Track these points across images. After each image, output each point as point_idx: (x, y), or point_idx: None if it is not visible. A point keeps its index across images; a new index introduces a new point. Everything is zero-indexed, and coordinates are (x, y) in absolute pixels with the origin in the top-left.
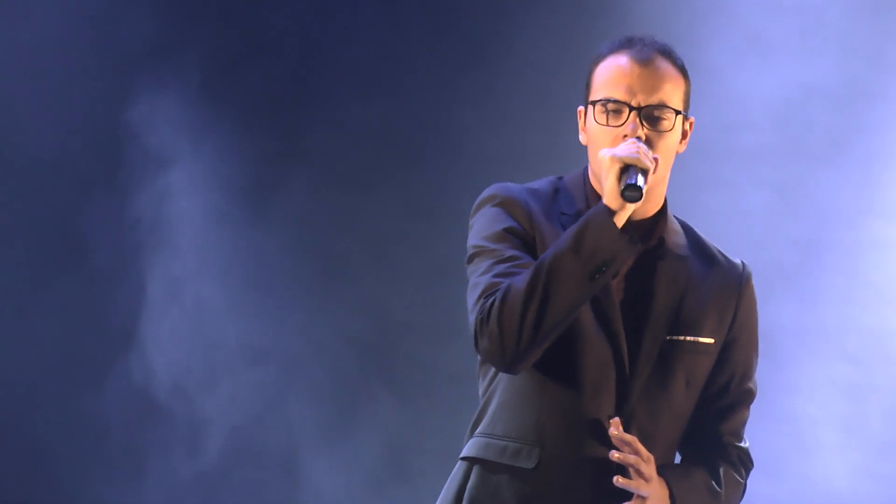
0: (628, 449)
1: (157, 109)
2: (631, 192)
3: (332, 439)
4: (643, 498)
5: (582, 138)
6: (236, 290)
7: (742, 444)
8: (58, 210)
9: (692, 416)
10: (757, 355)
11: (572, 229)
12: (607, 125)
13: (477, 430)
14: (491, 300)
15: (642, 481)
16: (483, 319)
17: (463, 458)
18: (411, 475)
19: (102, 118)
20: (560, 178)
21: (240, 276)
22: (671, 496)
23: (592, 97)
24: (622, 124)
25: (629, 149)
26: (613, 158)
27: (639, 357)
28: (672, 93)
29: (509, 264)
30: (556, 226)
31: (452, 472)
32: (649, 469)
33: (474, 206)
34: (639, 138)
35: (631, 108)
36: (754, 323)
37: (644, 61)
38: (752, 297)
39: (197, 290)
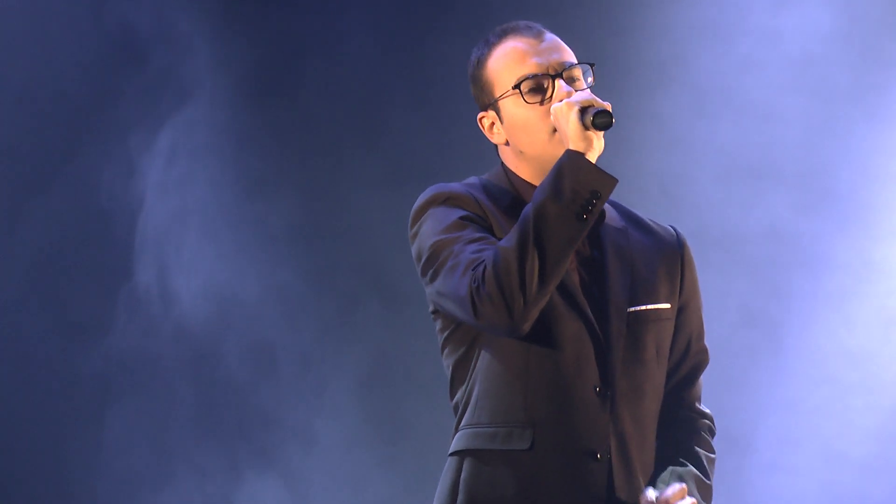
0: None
1: (151, 12)
2: (602, 119)
3: (322, 347)
4: None
5: (497, 138)
6: (231, 207)
7: (707, 411)
8: (52, 123)
9: (667, 390)
10: (701, 312)
11: (545, 181)
12: (541, 103)
13: (461, 424)
14: (481, 267)
15: None
16: (477, 287)
17: (452, 454)
18: (398, 379)
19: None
20: (481, 178)
21: (234, 189)
22: None
23: (504, 88)
24: (552, 96)
25: (581, 94)
26: (570, 104)
27: (609, 333)
28: (572, 55)
29: (482, 242)
30: (496, 213)
31: (444, 470)
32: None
33: (414, 212)
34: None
35: (553, 77)
36: (698, 283)
37: (536, 34)
38: (691, 259)
39: (191, 197)
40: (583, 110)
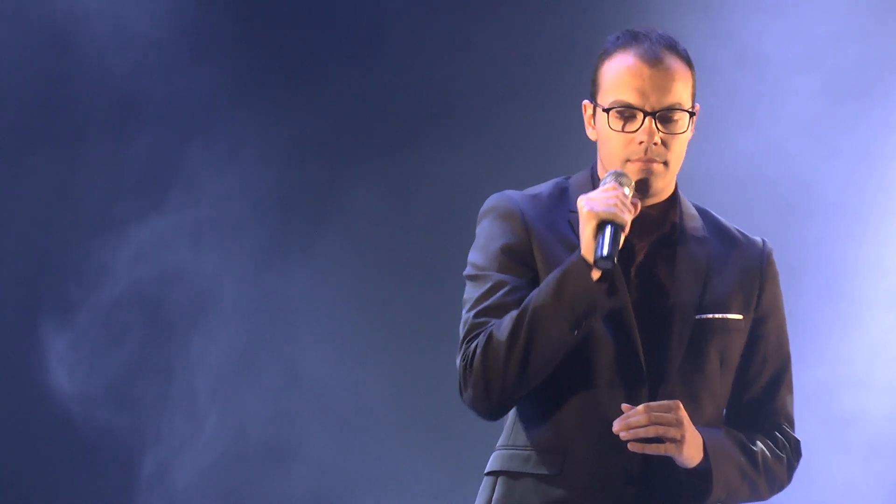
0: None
1: None
2: (603, 263)
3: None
4: (678, 441)
5: (590, 134)
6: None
7: (793, 435)
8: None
9: (739, 404)
10: (786, 329)
11: (553, 277)
12: (623, 132)
13: (498, 444)
14: (473, 346)
15: (671, 445)
16: (467, 367)
17: (488, 474)
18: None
19: None
20: (567, 178)
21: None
22: (703, 444)
23: (602, 99)
24: (637, 129)
25: (607, 202)
26: (591, 213)
27: (670, 341)
28: (682, 91)
29: (494, 298)
30: (563, 227)
31: (479, 489)
32: (678, 413)
33: (479, 216)
34: (646, 150)
35: (646, 114)
36: (780, 298)
37: (654, 61)
38: (775, 274)
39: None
40: (600, 225)
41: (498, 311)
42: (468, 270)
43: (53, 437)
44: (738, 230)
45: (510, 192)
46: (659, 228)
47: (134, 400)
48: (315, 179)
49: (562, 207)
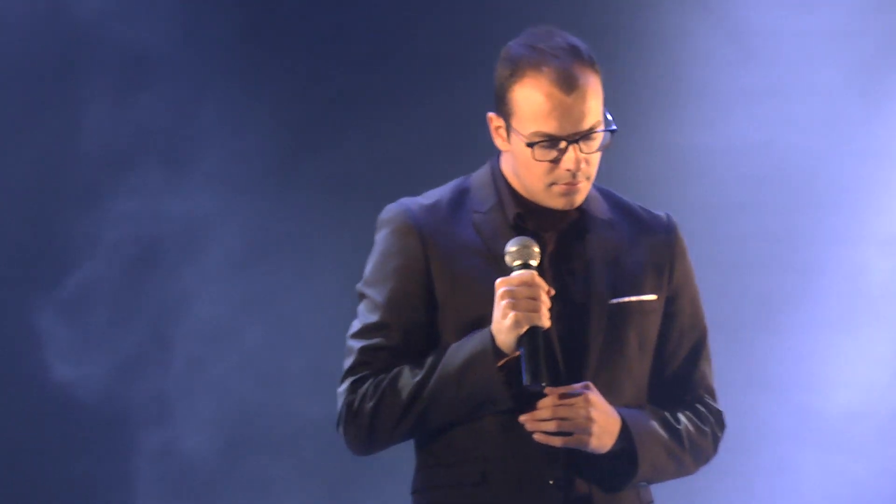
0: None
1: None
2: (534, 387)
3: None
4: (588, 434)
5: (500, 145)
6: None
7: (715, 406)
8: None
9: (659, 381)
10: (700, 301)
11: (460, 359)
12: (547, 162)
13: (419, 462)
14: (361, 395)
15: (573, 438)
16: (352, 413)
17: (413, 493)
18: None
19: None
20: (468, 178)
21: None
22: (623, 424)
23: (519, 125)
24: (561, 157)
25: (533, 305)
26: (516, 319)
27: (588, 329)
28: (598, 105)
29: (380, 339)
30: (467, 232)
31: None
32: (586, 406)
33: (377, 223)
34: (573, 173)
35: (569, 142)
36: (691, 271)
37: (569, 85)
38: (683, 248)
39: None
40: (521, 338)
41: (382, 352)
42: (360, 286)
43: (52, 415)
44: (641, 207)
45: (407, 204)
46: (566, 216)
47: (132, 371)
48: (316, 132)
49: (464, 211)
